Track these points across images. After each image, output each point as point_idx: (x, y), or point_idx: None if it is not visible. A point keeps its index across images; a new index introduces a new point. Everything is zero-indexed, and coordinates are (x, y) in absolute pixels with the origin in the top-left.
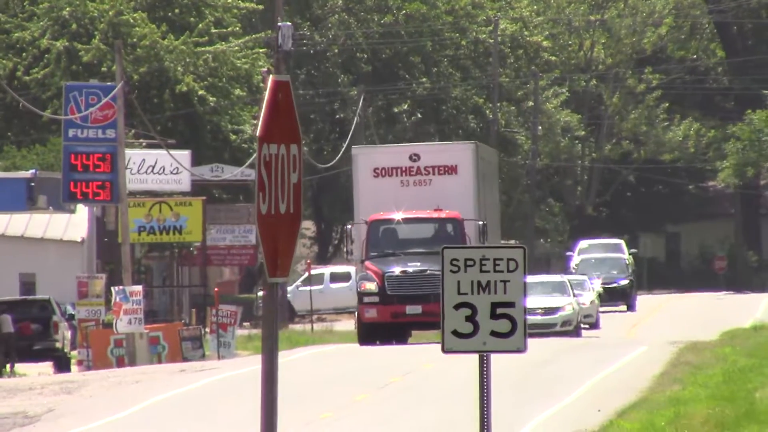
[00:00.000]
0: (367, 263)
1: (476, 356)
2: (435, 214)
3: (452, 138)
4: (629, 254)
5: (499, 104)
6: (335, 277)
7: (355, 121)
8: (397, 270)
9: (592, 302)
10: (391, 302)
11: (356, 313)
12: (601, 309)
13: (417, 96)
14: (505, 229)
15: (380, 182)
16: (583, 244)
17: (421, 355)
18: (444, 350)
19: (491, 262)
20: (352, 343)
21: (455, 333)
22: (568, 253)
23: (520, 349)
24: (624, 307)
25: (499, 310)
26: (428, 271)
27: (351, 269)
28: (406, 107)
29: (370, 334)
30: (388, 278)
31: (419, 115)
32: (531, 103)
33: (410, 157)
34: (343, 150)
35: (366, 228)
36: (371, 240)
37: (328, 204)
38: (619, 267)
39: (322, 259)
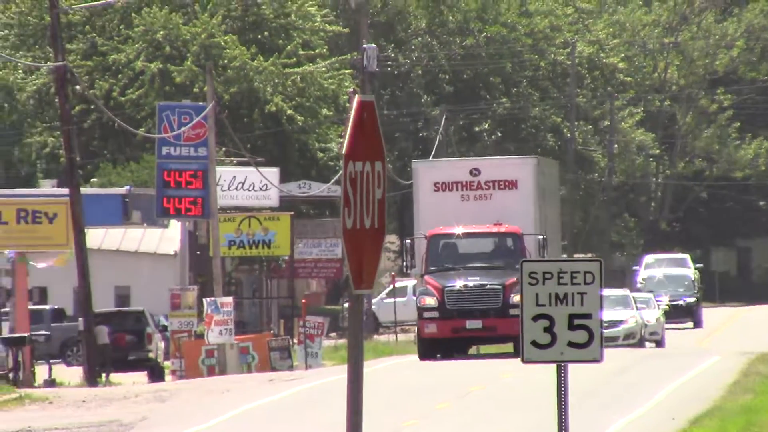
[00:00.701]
0: (427, 278)
1: (554, 366)
2: (495, 229)
3: None
4: (695, 269)
5: (576, 123)
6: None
7: (437, 140)
8: (456, 284)
9: (657, 319)
10: (451, 317)
11: (416, 328)
12: (667, 326)
13: (497, 115)
14: (582, 244)
15: (440, 196)
16: (649, 258)
17: (498, 366)
18: (523, 360)
19: (569, 274)
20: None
21: (534, 344)
22: (635, 268)
23: (597, 359)
24: (690, 324)
25: (577, 321)
26: (488, 286)
27: None
28: (486, 126)
29: (429, 349)
30: (448, 293)
31: (499, 134)
32: (607, 123)
33: (471, 172)
34: None
35: (426, 242)
36: (431, 254)
37: (412, 219)
38: (685, 284)
39: (406, 272)
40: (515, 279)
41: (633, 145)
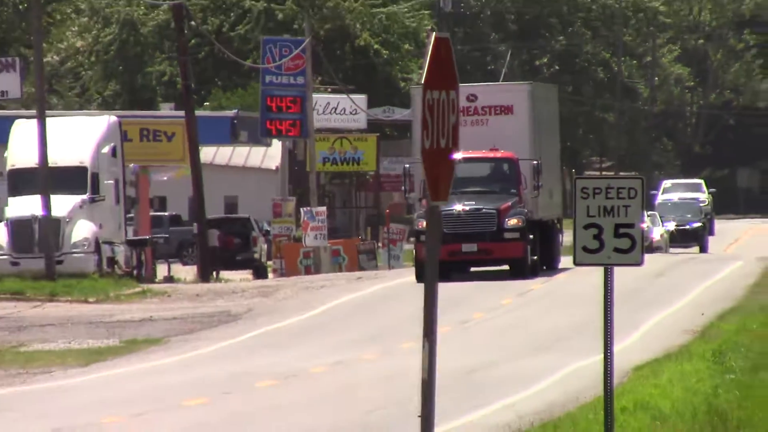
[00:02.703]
0: (425, 202)
1: (601, 269)
2: (491, 154)
3: (584, 87)
4: (708, 194)
5: (622, 59)
6: None
7: (503, 72)
8: (453, 209)
9: (661, 236)
10: (447, 241)
11: (414, 251)
12: (674, 250)
13: (555, 51)
14: (627, 163)
15: None
16: (667, 183)
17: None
18: (575, 263)
19: (615, 190)
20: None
21: (584, 249)
22: (653, 192)
23: (639, 263)
24: (696, 249)
25: (621, 230)
26: (483, 210)
27: None
28: (545, 60)
29: None
30: (444, 216)
31: (557, 67)
32: (649, 58)
33: (467, 98)
34: None
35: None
36: None
37: None
38: (693, 210)
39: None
40: (510, 204)
41: (671, 78)
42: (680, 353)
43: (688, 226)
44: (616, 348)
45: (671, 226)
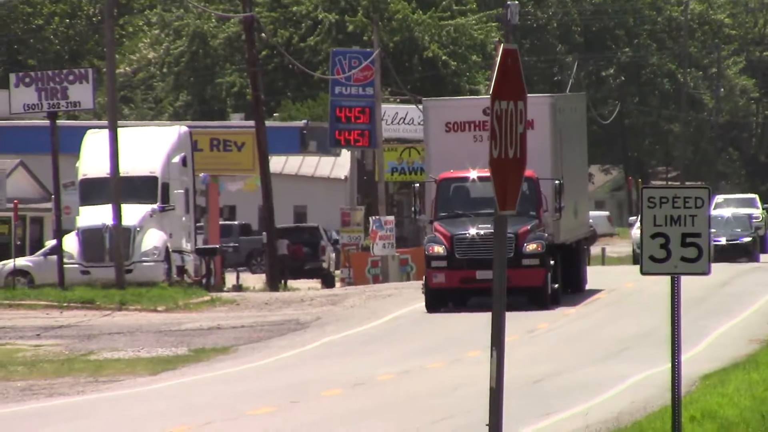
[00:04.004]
0: (436, 225)
1: (668, 278)
2: None
3: (650, 98)
4: (762, 209)
5: (688, 70)
6: None
7: (570, 83)
8: (466, 232)
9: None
10: (460, 267)
11: (424, 277)
12: (718, 264)
13: (621, 62)
14: (692, 173)
15: (452, 137)
16: (719, 198)
17: (622, 277)
18: (642, 272)
19: (682, 199)
20: None
21: (651, 258)
22: None
23: (705, 272)
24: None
25: (688, 240)
26: None
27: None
28: (612, 71)
29: (437, 300)
30: (457, 241)
31: (623, 78)
32: (714, 70)
33: (484, 111)
34: None
35: (435, 187)
36: (440, 200)
37: None
38: (744, 224)
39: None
40: (529, 227)
41: (736, 89)
42: (747, 362)
43: (738, 241)
44: (684, 357)
45: (722, 240)
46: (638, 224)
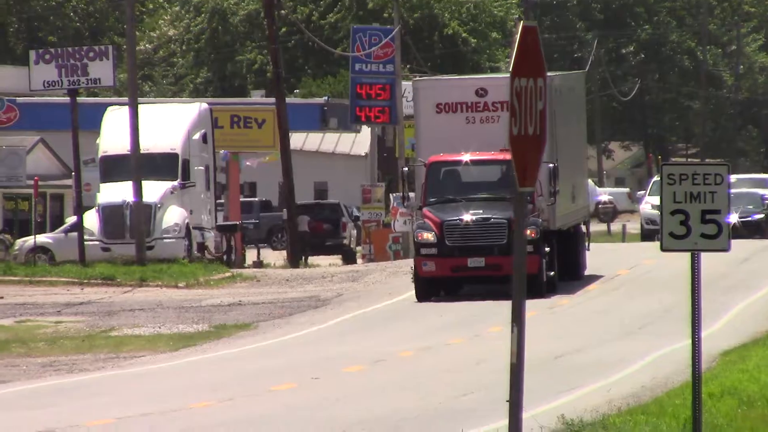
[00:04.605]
0: (425, 211)
1: (687, 254)
2: (501, 156)
3: (670, 75)
4: None
5: (707, 47)
6: None
7: (590, 60)
8: (457, 218)
9: None
10: (451, 254)
11: (413, 266)
12: (738, 240)
13: (641, 40)
14: (712, 150)
15: (443, 119)
16: (732, 178)
17: (641, 253)
18: (662, 249)
19: (701, 176)
20: None
21: (672, 235)
22: None
23: (725, 249)
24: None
25: (708, 216)
26: (492, 220)
27: (587, 180)
28: (631, 49)
29: (428, 289)
30: (447, 228)
31: (642, 56)
32: (734, 47)
33: (476, 92)
34: None
35: (425, 171)
36: (430, 184)
37: None
38: (756, 202)
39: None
40: None
41: (756, 66)
42: (767, 338)
43: (750, 218)
44: (704, 333)
45: (734, 218)
46: (647, 199)
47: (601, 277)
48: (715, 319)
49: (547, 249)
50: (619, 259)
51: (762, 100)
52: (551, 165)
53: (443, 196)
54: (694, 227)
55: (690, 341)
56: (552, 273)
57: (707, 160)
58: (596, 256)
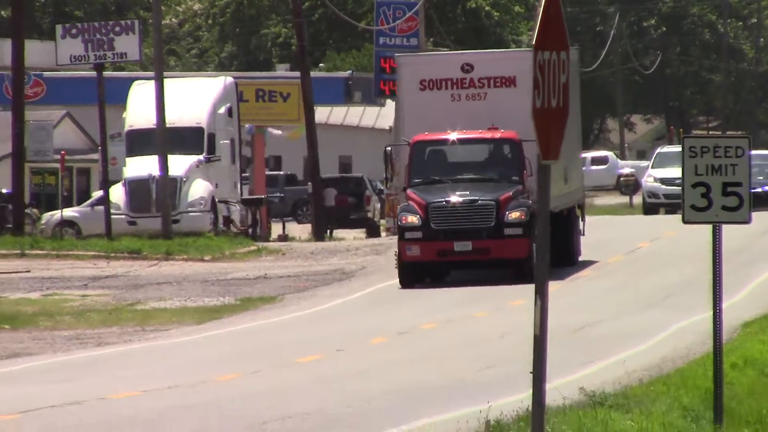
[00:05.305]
0: (410, 192)
1: (710, 226)
2: (489, 135)
3: (691, 48)
4: None
5: (728, 20)
6: (594, 161)
7: (612, 33)
8: (443, 200)
9: None
10: (436, 238)
11: (396, 250)
12: (756, 213)
13: (662, 13)
14: (733, 123)
15: (427, 96)
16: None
17: (654, 228)
18: (684, 221)
19: (722, 149)
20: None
21: (693, 207)
22: None
23: (746, 221)
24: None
25: (729, 189)
26: (480, 201)
27: (608, 153)
28: (653, 22)
29: (411, 274)
30: (432, 210)
31: (664, 29)
32: (755, 20)
33: (462, 68)
34: (602, 57)
35: (409, 150)
36: (414, 165)
37: (590, 101)
38: (765, 174)
39: (585, 146)
40: (511, 193)
41: None
42: None
43: (761, 189)
44: (725, 305)
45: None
46: (650, 171)
47: (625, 250)
48: (736, 291)
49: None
50: (640, 231)
51: None
52: None
53: (428, 177)
54: (715, 199)
55: (711, 313)
56: None
57: (728, 132)
58: (615, 229)
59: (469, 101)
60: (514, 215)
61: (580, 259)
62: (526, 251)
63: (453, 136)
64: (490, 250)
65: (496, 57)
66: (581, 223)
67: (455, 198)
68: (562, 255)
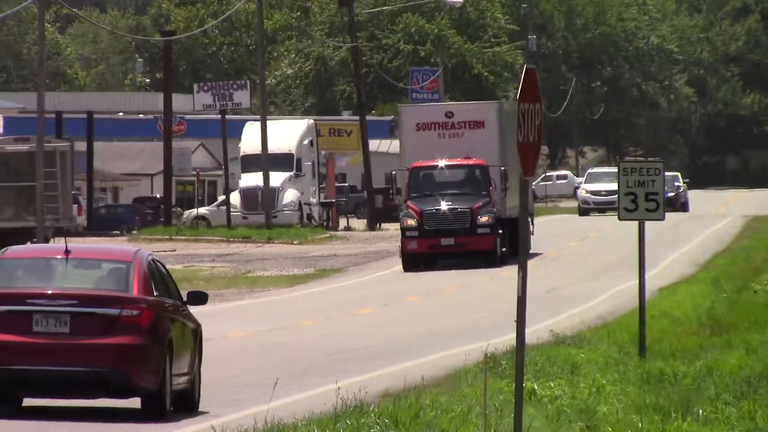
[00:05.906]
0: (409, 203)
1: (636, 222)
2: (465, 162)
3: (625, 102)
4: (683, 183)
5: (650, 82)
6: (559, 177)
7: (570, 92)
8: (433, 208)
9: None
10: (428, 236)
11: (400, 244)
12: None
13: (604, 77)
14: (652, 152)
15: (421, 135)
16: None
17: (596, 224)
18: (619, 219)
19: (645, 170)
20: (569, 214)
21: (626, 209)
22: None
23: (661, 219)
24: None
25: (650, 197)
26: (459, 209)
27: (568, 172)
28: (598, 83)
29: (411, 262)
30: (425, 215)
31: (606, 88)
32: (667, 83)
33: (446, 114)
34: (563, 106)
35: (408, 173)
36: (412, 183)
37: (555, 136)
38: (668, 184)
39: (551, 167)
40: (481, 203)
41: (681, 95)
42: (690, 279)
43: (667, 195)
44: (647, 275)
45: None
46: (583, 186)
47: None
48: (654, 266)
49: (500, 231)
50: (586, 226)
51: (686, 117)
52: (502, 168)
53: (422, 192)
54: (641, 204)
55: (638, 281)
56: (504, 249)
57: (649, 158)
58: (571, 223)
59: (451, 138)
60: (483, 219)
61: (531, 251)
62: (492, 245)
63: (440, 163)
64: (466, 244)
65: (470, 107)
66: (532, 225)
67: (442, 207)
68: (516, 248)
